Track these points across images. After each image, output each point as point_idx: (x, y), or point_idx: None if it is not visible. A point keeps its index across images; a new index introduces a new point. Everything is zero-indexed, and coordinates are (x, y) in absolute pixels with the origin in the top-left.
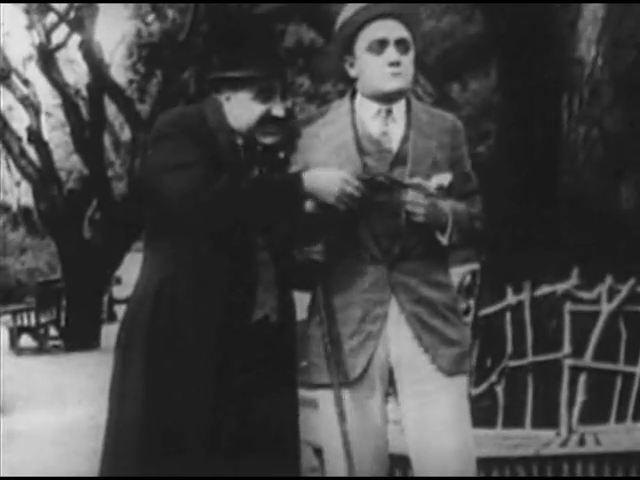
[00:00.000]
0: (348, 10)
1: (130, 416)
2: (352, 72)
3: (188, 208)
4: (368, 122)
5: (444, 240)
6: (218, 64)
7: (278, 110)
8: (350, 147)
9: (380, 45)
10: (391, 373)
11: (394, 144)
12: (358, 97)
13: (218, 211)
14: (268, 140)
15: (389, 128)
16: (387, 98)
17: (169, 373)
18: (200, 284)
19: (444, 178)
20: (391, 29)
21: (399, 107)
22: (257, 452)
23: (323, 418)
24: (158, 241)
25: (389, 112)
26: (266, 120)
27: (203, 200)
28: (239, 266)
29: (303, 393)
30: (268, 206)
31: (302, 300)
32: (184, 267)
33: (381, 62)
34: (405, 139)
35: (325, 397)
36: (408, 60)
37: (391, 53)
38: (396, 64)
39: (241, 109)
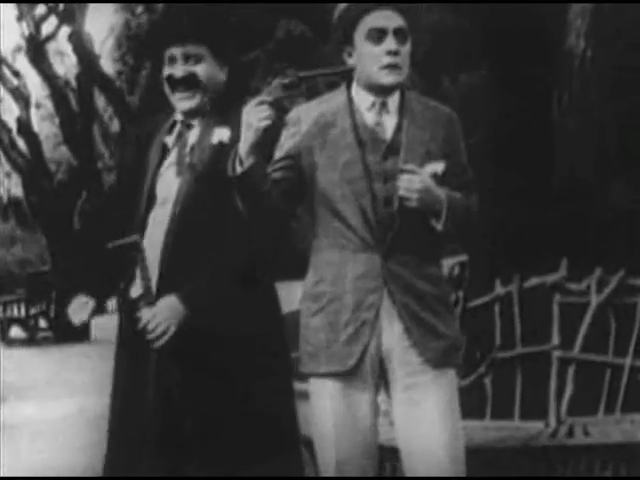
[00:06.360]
0: None
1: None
2: (350, 61)
3: None
4: (364, 112)
5: (439, 226)
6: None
7: (177, 71)
8: (348, 135)
9: (379, 34)
10: (382, 364)
11: (388, 134)
12: (354, 86)
13: None
14: (185, 105)
15: (383, 119)
16: (383, 91)
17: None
18: None
19: (438, 166)
20: (390, 18)
21: (394, 99)
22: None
23: (315, 409)
24: None
25: (384, 104)
26: (172, 84)
27: None
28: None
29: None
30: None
31: (294, 292)
32: None
33: (379, 51)
34: (398, 128)
35: (317, 387)
36: (405, 51)
37: (390, 42)
38: (394, 53)
39: (165, 85)
